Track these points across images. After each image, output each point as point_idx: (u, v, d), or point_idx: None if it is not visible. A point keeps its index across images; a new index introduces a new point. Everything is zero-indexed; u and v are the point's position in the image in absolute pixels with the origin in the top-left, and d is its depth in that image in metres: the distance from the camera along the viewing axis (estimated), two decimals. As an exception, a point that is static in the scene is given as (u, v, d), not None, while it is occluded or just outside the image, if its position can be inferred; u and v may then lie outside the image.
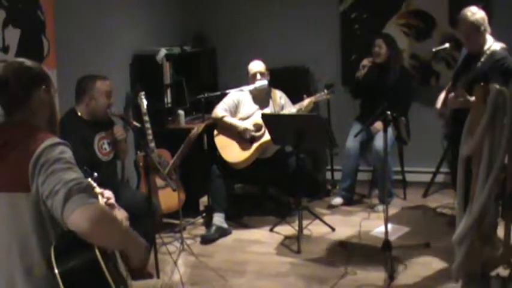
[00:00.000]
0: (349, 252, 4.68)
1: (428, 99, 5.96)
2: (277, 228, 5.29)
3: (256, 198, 6.27)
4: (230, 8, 6.93)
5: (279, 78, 5.86)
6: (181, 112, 5.92)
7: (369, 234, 5.07)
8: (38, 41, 4.52)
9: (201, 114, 5.58)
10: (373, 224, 5.25)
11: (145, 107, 5.15)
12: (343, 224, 5.36)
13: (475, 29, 4.41)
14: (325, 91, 5.50)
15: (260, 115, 5.20)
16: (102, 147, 4.22)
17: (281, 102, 5.58)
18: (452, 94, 4.47)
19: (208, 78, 6.71)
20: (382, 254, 4.40)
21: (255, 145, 5.36)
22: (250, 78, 5.50)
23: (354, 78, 5.83)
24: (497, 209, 3.89)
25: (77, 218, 1.95)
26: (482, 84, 3.59)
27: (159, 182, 5.11)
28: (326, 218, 5.37)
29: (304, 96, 5.51)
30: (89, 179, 2.82)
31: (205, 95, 5.39)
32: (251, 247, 5.00)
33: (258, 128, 5.38)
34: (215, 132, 5.54)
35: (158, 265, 3.93)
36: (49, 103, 2.30)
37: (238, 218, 5.60)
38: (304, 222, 5.14)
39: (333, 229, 5.19)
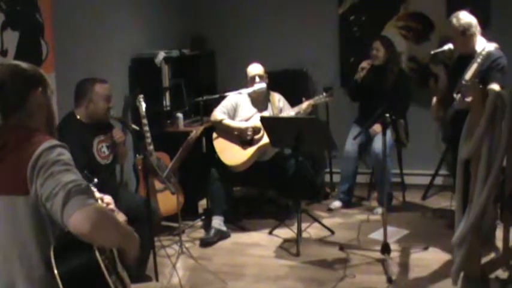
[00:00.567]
0: (348, 255, 4.68)
1: (426, 102, 5.94)
2: (276, 231, 5.28)
3: (255, 201, 6.27)
4: (229, 11, 6.93)
5: (278, 81, 5.86)
6: (180, 115, 5.92)
7: (368, 237, 5.07)
8: (37, 44, 4.52)
9: (200, 117, 5.58)
10: (372, 227, 5.25)
11: (144, 110, 5.14)
12: (342, 226, 5.36)
13: (460, 33, 4.63)
14: (324, 94, 5.50)
15: (259, 118, 5.20)
16: (101, 150, 4.21)
17: (280, 105, 5.58)
18: (459, 95, 4.51)
19: (207, 81, 6.71)
20: (381, 257, 4.40)
21: (254, 148, 5.36)
22: (249, 81, 5.50)
23: (352, 80, 5.83)
24: (496, 211, 3.91)
25: (76, 220, 1.95)
26: (481, 86, 3.62)
27: (157, 185, 5.11)
28: (325, 221, 5.36)
29: (303, 99, 5.52)
30: (90, 185, 2.83)
31: (204, 98, 5.40)
32: (250, 250, 4.99)
33: (256, 130, 5.37)
34: (214, 135, 5.54)
35: (157, 268, 3.92)
36: (46, 105, 2.29)
37: (237, 221, 5.59)
38: (303, 225, 5.15)
39: (332, 232, 5.18)
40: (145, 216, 4.07)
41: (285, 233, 5.23)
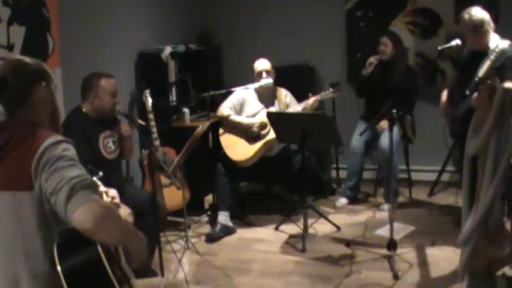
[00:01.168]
0: (354, 252, 4.67)
1: (433, 98, 5.92)
2: (282, 227, 5.28)
3: (261, 197, 6.27)
4: (235, 6, 6.92)
5: (285, 76, 5.84)
6: (186, 110, 5.91)
7: (374, 233, 5.06)
8: (43, 39, 4.52)
9: (206, 113, 5.58)
10: (379, 223, 5.24)
11: (150, 105, 5.14)
12: (348, 222, 5.35)
13: (472, 30, 4.50)
14: (331, 90, 5.48)
15: (265, 113, 5.19)
16: (107, 145, 4.21)
17: (286, 101, 5.57)
18: (475, 94, 4.46)
19: (213, 76, 6.70)
20: (387, 253, 4.38)
21: (260, 143, 5.35)
22: (256, 77, 5.49)
23: (360, 75, 5.80)
24: (503, 208, 3.88)
25: (80, 215, 1.95)
26: (488, 82, 3.59)
27: (163, 180, 5.11)
28: (331, 217, 5.35)
29: (310, 94, 5.49)
30: (94, 178, 2.82)
31: (210, 93, 5.39)
32: (256, 246, 4.99)
33: (263, 126, 5.36)
34: (220, 130, 5.53)
35: (163, 263, 3.91)
36: (50, 100, 2.29)
37: (243, 217, 5.60)
38: (309, 221, 5.14)
39: (338, 228, 5.18)
40: (151, 211, 4.06)
41: (291, 228, 5.23)
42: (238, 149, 5.39)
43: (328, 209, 5.76)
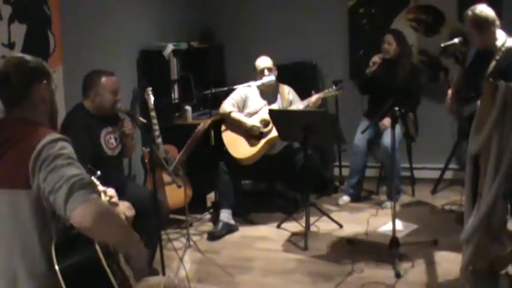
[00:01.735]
0: (356, 250, 4.65)
1: (437, 95, 5.93)
2: (284, 225, 5.27)
3: (264, 195, 6.26)
4: (238, 3, 6.90)
5: (287, 74, 5.83)
6: (188, 108, 5.90)
7: (377, 231, 5.04)
8: (44, 37, 4.52)
9: (208, 110, 5.57)
10: (381, 221, 5.22)
11: (152, 102, 5.12)
12: (350, 220, 5.33)
13: (477, 28, 4.40)
14: (334, 87, 5.47)
15: (267, 110, 5.18)
16: (108, 141, 4.20)
17: (289, 98, 5.55)
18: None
19: (215, 74, 6.68)
20: (390, 252, 4.37)
21: (263, 141, 5.33)
22: (258, 74, 5.47)
23: (363, 74, 5.77)
24: (506, 206, 3.86)
25: (79, 214, 1.94)
26: (490, 80, 3.56)
27: (166, 178, 5.09)
28: (334, 215, 5.34)
29: (313, 92, 5.47)
30: (92, 177, 2.81)
31: (212, 90, 5.38)
32: (258, 244, 4.98)
33: (265, 123, 5.35)
34: (222, 127, 5.52)
35: (164, 261, 3.91)
36: (49, 99, 2.28)
37: (246, 215, 5.58)
38: (312, 219, 5.13)
39: (341, 226, 5.16)
40: (152, 209, 4.06)
41: (293, 226, 5.22)
42: (240, 147, 5.37)
43: (330, 206, 5.74)
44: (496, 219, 3.49)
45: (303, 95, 5.53)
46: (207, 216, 5.65)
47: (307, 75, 6.43)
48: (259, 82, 5.43)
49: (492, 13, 4.43)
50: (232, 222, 5.27)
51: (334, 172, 6.53)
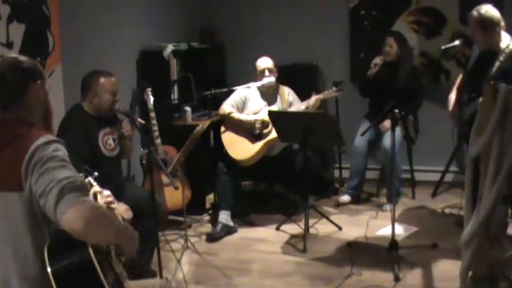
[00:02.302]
0: (355, 252, 4.63)
1: (438, 98, 5.91)
2: (283, 227, 5.25)
3: (263, 196, 6.23)
4: (238, 3, 6.88)
5: (288, 75, 5.81)
6: (188, 109, 5.89)
7: (376, 233, 5.02)
8: (43, 37, 4.50)
9: (208, 111, 5.54)
10: (381, 224, 5.19)
11: (151, 103, 5.12)
12: (350, 223, 5.31)
13: (488, 27, 4.35)
14: (334, 88, 5.44)
15: (267, 112, 5.16)
16: (106, 142, 4.17)
17: (289, 99, 5.53)
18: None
19: (216, 74, 6.68)
20: (389, 255, 4.34)
21: (262, 142, 5.31)
22: (258, 75, 5.45)
23: (365, 76, 5.74)
24: (506, 210, 3.83)
25: (70, 217, 1.92)
26: (491, 82, 3.54)
27: (165, 179, 5.07)
28: (333, 217, 5.32)
29: (313, 93, 5.45)
30: (90, 178, 2.79)
31: (212, 91, 5.36)
32: (257, 245, 4.96)
33: (265, 125, 5.33)
34: (222, 128, 5.50)
35: (161, 263, 3.89)
36: (44, 99, 2.25)
37: (245, 216, 5.56)
38: (311, 221, 5.11)
39: (340, 228, 5.14)
40: (150, 210, 4.04)
41: (293, 228, 5.20)
42: (240, 148, 5.35)
43: (330, 208, 5.72)
44: (496, 223, 3.47)
45: (303, 96, 5.50)
46: (206, 217, 5.63)
47: (307, 76, 6.41)
48: (259, 83, 5.41)
49: (497, 13, 4.40)
50: (231, 223, 5.24)
51: (335, 174, 6.51)
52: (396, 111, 4.32)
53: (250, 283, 4.27)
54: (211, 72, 6.55)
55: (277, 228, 5.26)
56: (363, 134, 5.12)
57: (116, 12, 5.38)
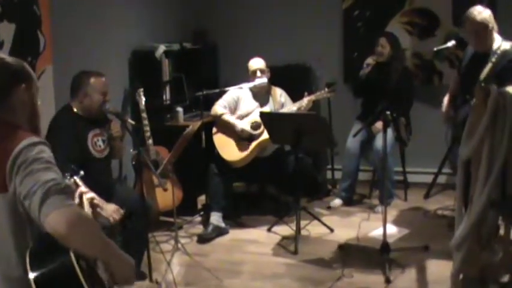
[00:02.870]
0: (346, 254, 4.61)
1: (431, 99, 5.92)
2: (275, 228, 5.23)
3: (255, 198, 6.21)
4: (232, 4, 6.85)
5: (281, 75, 5.78)
6: (180, 109, 5.87)
7: (368, 235, 5.01)
8: (34, 37, 4.47)
9: (200, 112, 5.52)
10: (373, 225, 5.18)
11: (143, 103, 5.10)
12: (342, 224, 5.30)
13: (484, 28, 4.35)
14: (326, 89, 5.43)
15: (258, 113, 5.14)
16: (96, 144, 4.14)
17: (281, 100, 5.52)
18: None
19: (208, 75, 6.65)
20: (380, 257, 4.32)
21: (254, 144, 5.30)
22: (250, 76, 5.44)
23: (357, 76, 5.74)
24: (497, 212, 3.82)
25: (53, 220, 1.89)
26: (482, 85, 3.53)
27: (156, 180, 5.04)
28: (325, 219, 5.31)
29: (305, 94, 5.43)
30: (76, 177, 2.76)
31: (204, 92, 5.34)
32: (248, 247, 4.94)
33: (256, 126, 5.31)
34: (214, 130, 5.48)
35: (151, 265, 3.87)
36: (29, 102, 2.21)
37: (236, 218, 5.55)
38: (303, 223, 5.10)
39: (332, 230, 5.13)
40: (140, 211, 4.02)
41: (284, 230, 5.17)
42: (231, 149, 5.33)
43: (322, 210, 5.71)
44: (487, 226, 3.46)
45: (296, 97, 5.48)
46: (198, 218, 5.60)
47: (301, 77, 6.38)
48: (251, 84, 5.39)
49: (491, 15, 4.39)
50: (222, 225, 5.22)
51: (327, 175, 6.49)
52: (388, 112, 4.30)
53: (241, 285, 4.25)
54: (204, 72, 6.53)
55: (269, 230, 5.24)
56: (354, 136, 5.11)
57: (107, 12, 5.36)
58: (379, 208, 5.51)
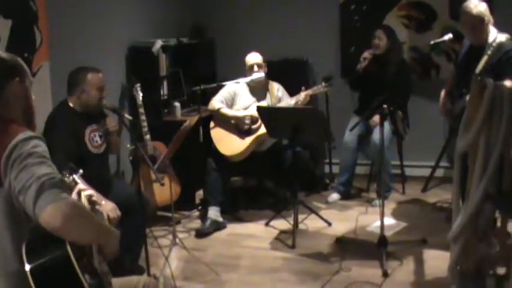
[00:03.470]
0: (344, 248, 4.62)
1: (428, 92, 5.92)
2: (273, 223, 5.24)
3: (253, 192, 6.21)
4: (228, -1, 6.86)
5: (278, 70, 5.80)
6: (177, 104, 5.87)
7: (366, 229, 5.02)
8: (30, 33, 4.46)
9: (198, 107, 5.53)
10: (370, 219, 5.19)
11: (140, 99, 5.11)
12: (339, 218, 5.30)
13: (480, 21, 4.36)
14: (323, 84, 5.43)
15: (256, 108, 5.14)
16: (93, 139, 4.14)
17: (278, 95, 5.52)
18: None
19: (206, 70, 6.64)
20: (378, 250, 4.33)
21: (251, 138, 5.30)
22: (247, 70, 5.44)
23: (354, 70, 5.74)
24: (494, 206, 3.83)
25: (48, 214, 1.91)
26: (479, 78, 3.53)
27: (153, 175, 5.04)
28: (323, 213, 5.31)
29: (302, 88, 5.43)
30: (74, 176, 2.77)
31: (202, 87, 5.33)
32: (246, 241, 4.95)
33: (254, 120, 5.32)
34: (211, 124, 5.49)
35: (149, 259, 3.87)
36: (23, 96, 2.23)
37: (234, 212, 5.56)
38: (301, 217, 5.11)
39: (329, 224, 5.14)
40: (138, 207, 4.02)
41: (282, 224, 5.19)
42: (229, 144, 5.34)
43: (320, 204, 5.71)
44: (484, 219, 3.47)
45: (294, 92, 5.48)
46: (196, 213, 5.61)
47: (298, 71, 6.38)
48: (248, 79, 5.40)
49: (486, 8, 4.40)
50: (220, 219, 5.23)
51: (324, 169, 6.50)
52: (385, 106, 4.31)
53: (239, 279, 4.26)
54: (201, 67, 6.52)
55: (267, 224, 5.25)
56: (352, 129, 5.10)
57: (104, 7, 5.34)
58: (377, 202, 5.50)
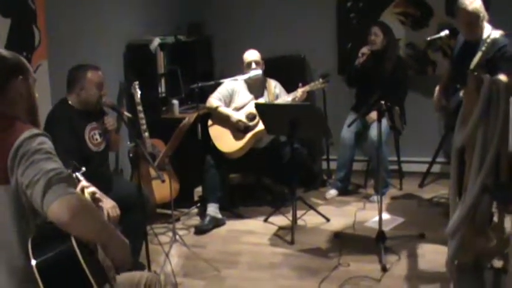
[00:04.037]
0: (343, 243, 4.66)
1: (424, 89, 5.95)
2: (271, 219, 5.27)
3: (251, 189, 6.24)
4: (226, -4, 6.88)
5: (276, 67, 5.81)
6: (175, 102, 5.88)
7: (364, 224, 5.05)
8: (29, 31, 4.47)
9: (196, 104, 5.55)
10: (369, 215, 5.22)
11: (139, 96, 5.11)
12: (338, 214, 5.33)
13: (475, 17, 4.39)
14: (320, 80, 5.46)
15: (254, 104, 5.17)
16: (93, 137, 4.16)
17: (276, 92, 5.55)
18: None
19: (203, 67, 6.66)
20: (376, 245, 4.37)
21: (249, 135, 5.33)
22: (245, 68, 5.46)
23: (352, 66, 5.77)
24: (491, 199, 3.85)
25: (56, 208, 1.93)
26: (475, 73, 3.56)
27: (152, 172, 5.07)
28: (321, 209, 5.34)
29: (300, 85, 5.45)
30: (77, 173, 2.79)
31: (199, 84, 5.35)
32: (245, 238, 4.98)
33: (252, 117, 5.34)
34: (209, 122, 5.51)
35: (149, 256, 3.90)
36: (27, 94, 2.25)
37: (233, 208, 5.58)
38: (299, 213, 5.14)
39: (328, 220, 5.17)
40: (138, 204, 4.04)
41: (281, 220, 5.22)
42: (227, 141, 5.36)
43: (318, 200, 5.74)
44: (481, 213, 3.50)
45: (291, 88, 5.50)
46: (195, 210, 5.63)
47: (295, 68, 6.41)
48: (245, 76, 5.42)
49: (481, 5, 4.43)
50: (219, 216, 5.26)
51: (322, 166, 6.53)
52: (382, 102, 4.34)
53: (238, 275, 4.28)
54: (199, 65, 6.54)
55: (265, 220, 5.27)
56: (349, 126, 5.13)
57: (102, 5, 5.35)
58: (375, 197, 5.54)
